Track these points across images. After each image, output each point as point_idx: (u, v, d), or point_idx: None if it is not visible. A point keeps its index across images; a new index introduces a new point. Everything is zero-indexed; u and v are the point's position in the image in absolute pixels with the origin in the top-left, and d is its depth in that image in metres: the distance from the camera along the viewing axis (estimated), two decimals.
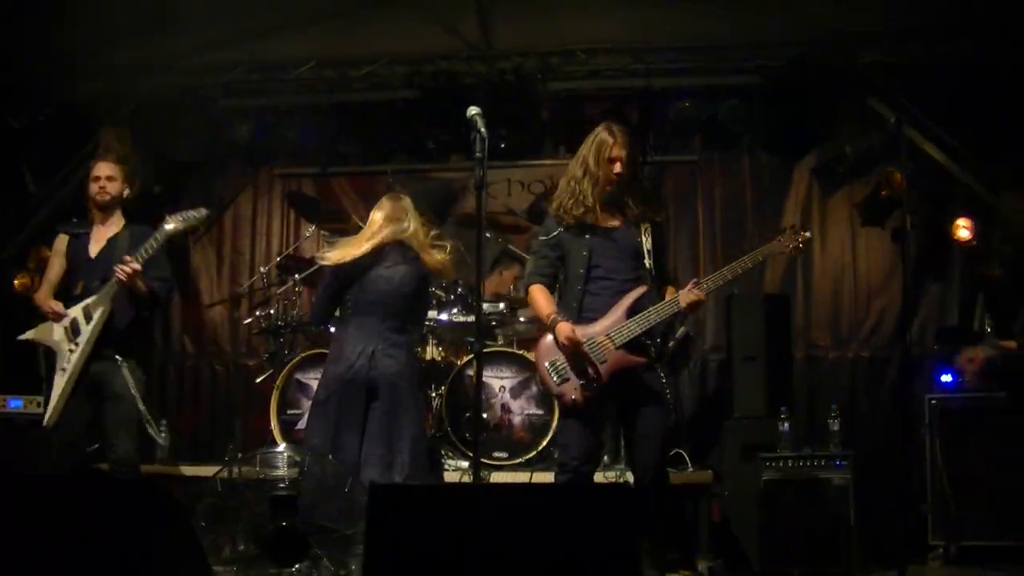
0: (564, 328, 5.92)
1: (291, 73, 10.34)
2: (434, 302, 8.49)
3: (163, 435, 7.36)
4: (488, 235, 8.88)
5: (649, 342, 6.03)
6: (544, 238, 6.28)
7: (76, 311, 6.78)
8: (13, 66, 9.87)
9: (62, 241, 7.10)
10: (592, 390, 5.92)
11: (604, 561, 4.10)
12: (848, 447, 7.90)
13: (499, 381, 8.26)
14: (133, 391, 6.73)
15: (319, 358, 8.39)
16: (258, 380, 9.33)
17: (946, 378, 8.03)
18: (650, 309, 5.92)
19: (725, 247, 9.93)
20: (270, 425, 8.46)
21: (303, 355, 8.63)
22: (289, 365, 8.62)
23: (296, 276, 9.03)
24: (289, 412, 8.52)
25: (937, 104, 9.22)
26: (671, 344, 8.88)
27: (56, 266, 7.07)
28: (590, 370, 5.92)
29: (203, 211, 6.98)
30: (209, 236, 10.91)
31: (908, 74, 9.33)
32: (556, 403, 6.63)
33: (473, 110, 5.52)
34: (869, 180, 9.56)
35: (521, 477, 7.87)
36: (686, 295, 5.90)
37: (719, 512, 7.97)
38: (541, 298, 6.18)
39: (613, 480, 7.56)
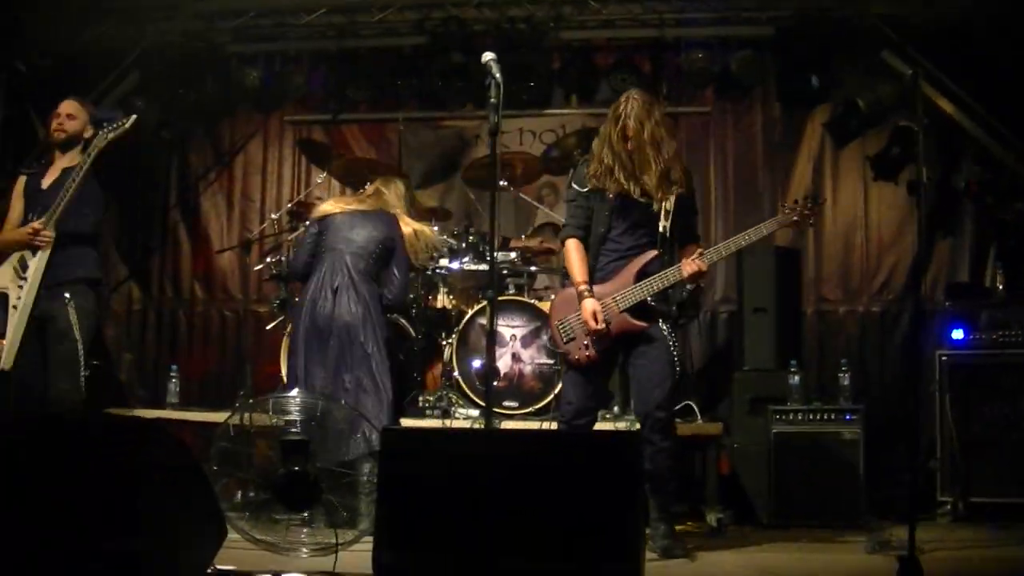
0: (589, 306, 6.05)
1: (301, 19, 10.29)
2: (445, 250, 8.49)
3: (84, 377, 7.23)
4: (503, 183, 8.83)
5: (655, 304, 6.11)
6: (577, 188, 6.34)
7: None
8: (20, 10, 9.82)
9: (21, 183, 7.02)
10: (594, 351, 6.09)
11: (608, 506, 4.13)
12: (858, 401, 7.91)
13: (510, 330, 8.24)
14: (76, 332, 6.69)
15: None
16: (268, 327, 9.32)
17: (957, 334, 8.00)
18: (655, 276, 6.03)
19: (736, 200, 9.95)
20: (280, 372, 8.44)
21: None
22: None
23: (307, 223, 8.99)
24: None
25: (947, 58, 9.17)
26: (682, 295, 8.90)
27: (17, 208, 6.95)
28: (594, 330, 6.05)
29: (132, 117, 6.89)
30: (219, 182, 10.91)
31: (919, 26, 9.27)
32: (558, 360, 6.69)
33: (488, 55, 5.48)
34: (881, 133, 9.52)
35: (531, 427, 7.87)
36: (688, 264, 6.02)
37: (728, 464, 7.96)
38: (576, 258, 6.24)
39: (624, 429, 7.54)
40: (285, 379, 7.97)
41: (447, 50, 9.99)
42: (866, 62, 9.47)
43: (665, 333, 6.11)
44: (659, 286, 6.03)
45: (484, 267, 8.33)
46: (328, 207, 7.65)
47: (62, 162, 6.95)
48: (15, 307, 6.60)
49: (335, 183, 10.17)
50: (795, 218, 6.18)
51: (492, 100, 5.42)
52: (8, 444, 4.19)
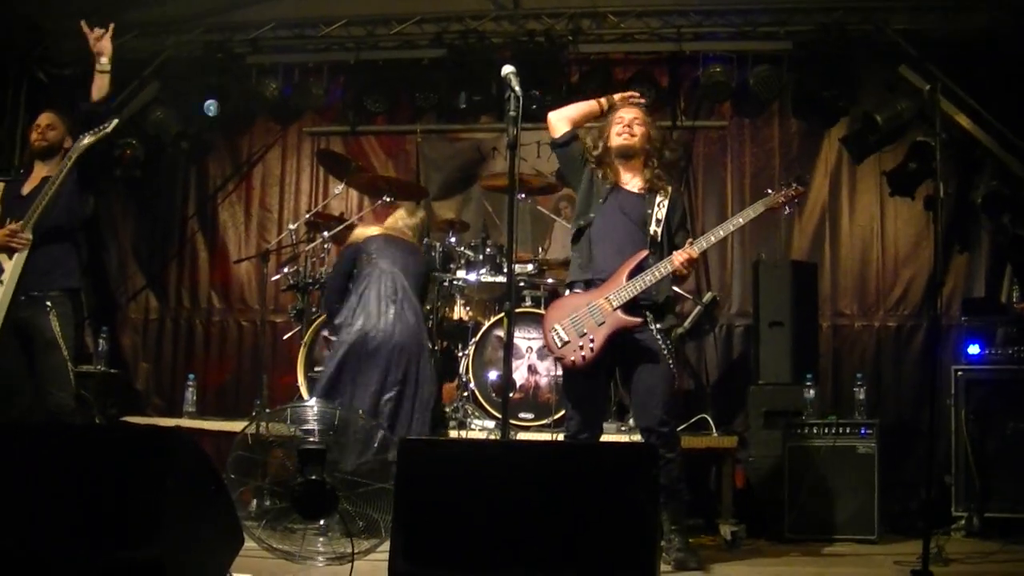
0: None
1: (320, 31, 10.37)
2: (462, 261, 8.53)
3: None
4: (520, 196, 8.87)
5: (644, 302, 6.11)
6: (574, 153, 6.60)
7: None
8: (42, 20, 9.90)
9: None
10: (590, 352, 6.05)
11: (623, 518, 4.14)
12: (873, 416, 7.90)
13: (526, 342, 8.27)
14: (61, 341, 6.71)
15: None
16: (285, 337, 9.36)
17: (973, 349, 8.01)
18: (646, 271, 6.05)
19: None
20: (296, 382, 8.48)
21: None
22: (316, 322, 8.62)
23: (325, 233, 9.01)
24: (316, 369, 8.48)
25: (965, 73, 9.20)
26: (697, 309, 8.91)
27: None
28: (589, 332, 6.05)
29: (113, 121, 6.91)
30: (237, 193, 10.98)
31: (936, 43, 9.29)
32: (558, 366, 6.69)
33: (508, 68, 5.49)
34: (899, 148, 9.54)
35: (547, 438, 7.88)
36: (679, 254, 6.03)
37: (743, 478, 7.97)
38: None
39: (631, 439, 7.55)
40: (304, 388, 8.02)
41: (465, 63, 10.04)
42: (884, 77, 9.50)
43: (660, 342, 6.10)
44: (651, 280, 6.03)
45: (501, 279, 8.35)
46: (371, 231, 7.77)
47: (42, 171, 6.95)
48: None
49: (353, 194, 10.22)
50: (781, 199, 6.18)
51: (511, 113, 5.42)
52: (27, 452, 4.22)
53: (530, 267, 8.62)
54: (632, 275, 6.05)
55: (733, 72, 9.80)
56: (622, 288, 6.03)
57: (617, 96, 6.54)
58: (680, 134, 10.09)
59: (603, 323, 6.03)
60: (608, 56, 10.34)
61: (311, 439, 5.95)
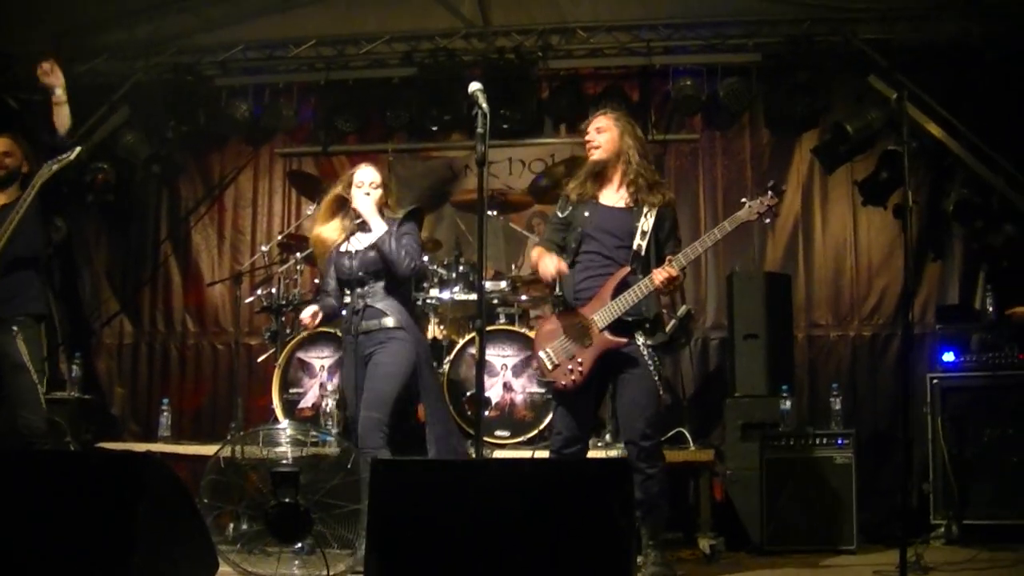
0: (551, 263, 6.19)
1: (290, 51, 10.36)
2: (436, 280, 8.50)
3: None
4: (492, 213, 8.86)
5: (632, 319, 6.06)
6: (558, 214, 6.41)
7: None
8: (10, 46, 9.86)
9: None
10: (580, 375, 6.04)
11: (599, 534, 4.13)
12: (849, 426, 7.91)
13: (501, 359, 8.25)
14: (29, 363, 6.70)
15: (321, 336, 8.41)
16: (260, 359, 9.32)
17: (948, 357, 8.02)
18: (629, 289, 6.00)
19: None
20: (272, 404, 8.44)
21: (305, 334, 8.59)
22: (291, 344, 8.59)
23: (298, 255, 8.99)
24: (291, 391, 8.49)
25: (934, 82, 9.24)
26: (672, 323, 8.90)
27: None
28: (577, 355, 6.05)
29: (76, 149, 6.90)
30: (210, 215, 10.94)
31: (905, 52, 9.34)
32: (548, 389, 6.66)
33: (475, 85, 5.49)
34: (870, 158, 9.57)
35: (523, 456, 7.86)
36: (659, 273, 5.95)
37: (721, 491, 7.97)
38: (539, 255, 6.34)
39: (616, 456, 7.53)
40: (279, 410, 7.99)
41: (436, 81, 10.04)
42: (854, 87, 9.54)
43: (646, 356, 6.05)
44: (633, 299, 5.97)
45: (474, 297, 8.33)
46: None
47: (1, 198, 6.95)
48: None
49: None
50: (757, 211, 6.11)
51: (479, 130, 5.42)
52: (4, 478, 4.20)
53: (503, 284, 8.60)
54: (616, 293, 6.02)
55: (703, 85, 9.81)
56: (607, 308, 6.00)
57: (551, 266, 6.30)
58: (651, 148, 10.08)
59: (590, 345, 6.02)
60: (578, 71, 10.37)
61: (284, 462, 5.92)
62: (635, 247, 6.11)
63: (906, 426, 6.96)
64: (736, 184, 9.96)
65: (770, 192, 6.14)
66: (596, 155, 6.27)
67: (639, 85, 10.23)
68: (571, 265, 6.22)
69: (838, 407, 8.02)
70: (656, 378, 6.07)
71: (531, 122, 10.20)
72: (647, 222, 6.13)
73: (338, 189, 6.93)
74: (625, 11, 9.93)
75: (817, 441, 7.63)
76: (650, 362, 6.05)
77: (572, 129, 10.15)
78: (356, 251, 6.79)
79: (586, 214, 6.22)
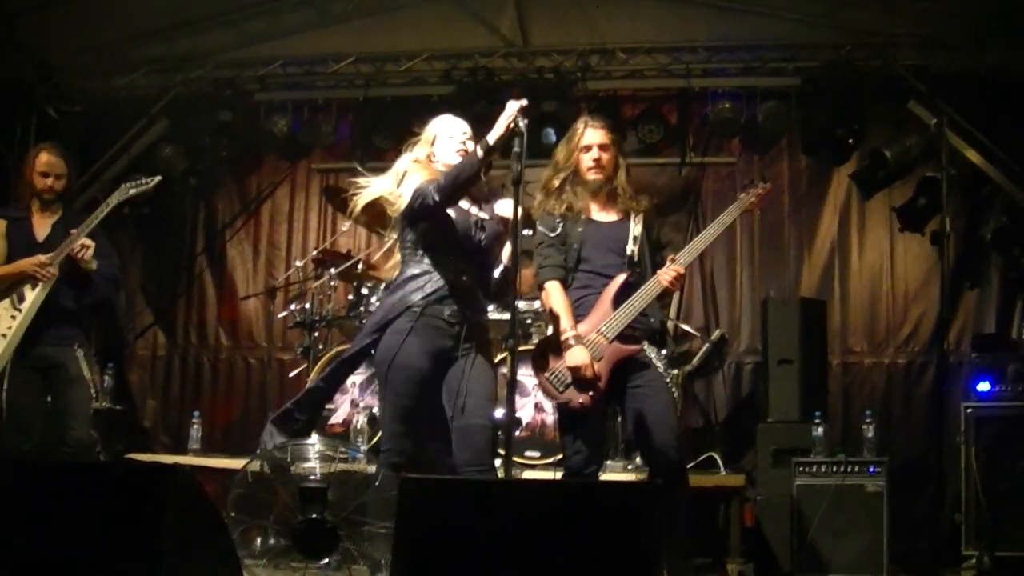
0: (580, 355, 5.78)
1: (329, 67, 10.39)
2: None
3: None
4: (527, 232, 8.84)
5: (639, 330, 5.90)
6: (550, 233, 6.14)
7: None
8: (52, 58, 9.94)
9: (2, 225, 7.00)
10: (596, 390, 5.81)
11: (627, 558, 4.10)
12: (882, 454, 7.85)
13: (533, 380, 8.20)
14: (87, 377, 6.74)
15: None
16: (292, 374, 9.34)
17: (983, 386, 7.95)
18: (635, 295, 5.84)
19: (762, 250, 9.91)
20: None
21: (337, 349, 8.60)
22: (323, 359, 8.59)
23: (332, 271, 9.00)
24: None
25: (974, 108, 9.17)
26: (705, 346, 8.87)
27: (0, 247, 6.99)
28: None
29: (156, 178, 6.95)
30: (246, 229, 10.98)
31: (944, 78, 9.29)
32: (557, 411, 6.47)
33: (513, 105, 5.49)
34: (908, 184, 9.50)
35: (553, 477, 7.83)
36: (664, 272, 5.82)
37: (751, 516, 7.92)
38: (561, 302, 6.00)
39: (638, 478, 7.49)
40: None
41: (474, 100, 10.04)
42: (893, 113, 9.48)
43: (653, 356, 5.89)
44: (641, 304, 5.82)
45: (507, 316, 8.30)
46: None
47: (47, 215, 6.95)
48: (3, 336, 6.62)
49: (360, 231, 10.20)
50: (753, 199, 6.07)
51: (516, 150, 5.43)
52: (21, 488, 4.19)
53: (536, 304, 8.57)
54: (617, 301, 5.88)
55: (742, 108, 9.78)
56: (613, 318, 5.81)
57: (580, 360, 5.83)
58: (689, 170, 10.08)
59: (601, 358, 5.80)
60: (617, 93, 10.35)
61: (312, 477, 5.91)
62: (628, 252, 5.99)
63: (939, 456, 6.89)
64: (773, 208, 9.90)
65: (759, 183, 6.14)
66: (602, 175, 6.07)
67: (677, 107, 10.20)
68: (568, 283, 6.09)
69: (871, 434, 7.96)
70: (674, 390, 5.99)
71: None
72: (637, 227, 6.04)
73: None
74: (665, 33, 9.92)
75: (849, 468, 7.58)
76: (664, 372, 5.92)
77: None
78: (483, 221, 6.21)
79: (579, 230, 6.04)
